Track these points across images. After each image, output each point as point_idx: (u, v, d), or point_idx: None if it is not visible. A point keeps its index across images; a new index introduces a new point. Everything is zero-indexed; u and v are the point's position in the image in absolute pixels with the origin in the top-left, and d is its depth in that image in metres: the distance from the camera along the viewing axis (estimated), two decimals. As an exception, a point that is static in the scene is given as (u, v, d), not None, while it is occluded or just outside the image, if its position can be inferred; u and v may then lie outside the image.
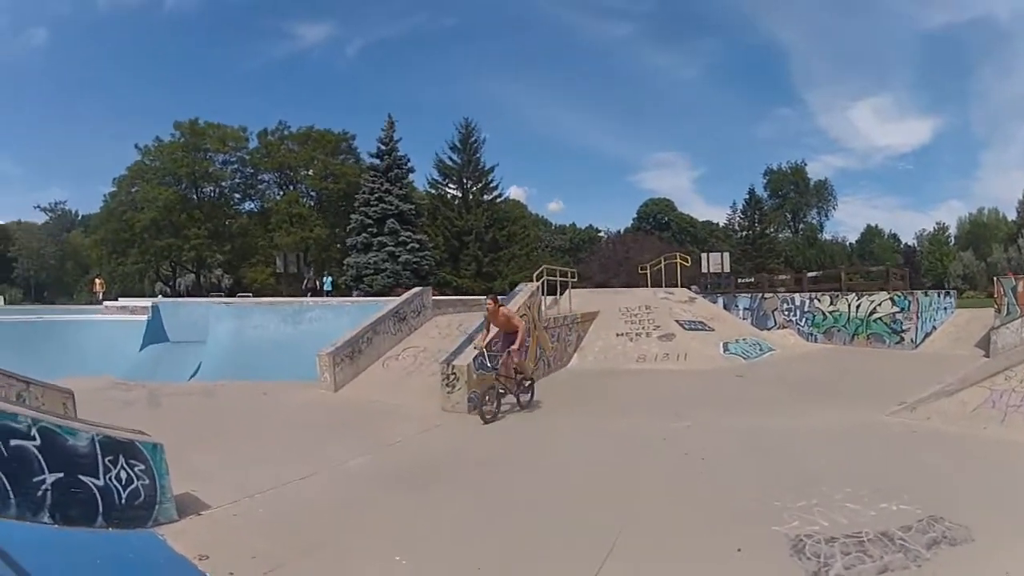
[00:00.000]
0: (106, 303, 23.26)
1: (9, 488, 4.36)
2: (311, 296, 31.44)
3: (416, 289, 17.07)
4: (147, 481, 5.28)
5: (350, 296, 36.02)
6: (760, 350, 16.90)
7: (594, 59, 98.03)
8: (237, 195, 58.24)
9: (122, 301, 23.31)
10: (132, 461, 5.21)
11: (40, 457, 4.58)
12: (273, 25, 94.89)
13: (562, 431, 9.05)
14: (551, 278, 16.65)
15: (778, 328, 20.44)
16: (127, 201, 51.29)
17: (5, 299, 29.41)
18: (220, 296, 41.16)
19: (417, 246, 45.93)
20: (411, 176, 50.03)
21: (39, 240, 65.31)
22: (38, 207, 69.95)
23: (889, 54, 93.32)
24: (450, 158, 54.32)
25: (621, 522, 5.16)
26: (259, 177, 57.72)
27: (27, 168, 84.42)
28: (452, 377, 10.45)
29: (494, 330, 10.69)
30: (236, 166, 56.33)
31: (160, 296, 40.59)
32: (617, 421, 9.53)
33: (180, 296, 47.70)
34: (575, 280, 18.52)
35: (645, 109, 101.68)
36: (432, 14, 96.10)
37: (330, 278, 40.16)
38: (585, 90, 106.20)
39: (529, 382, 10.84)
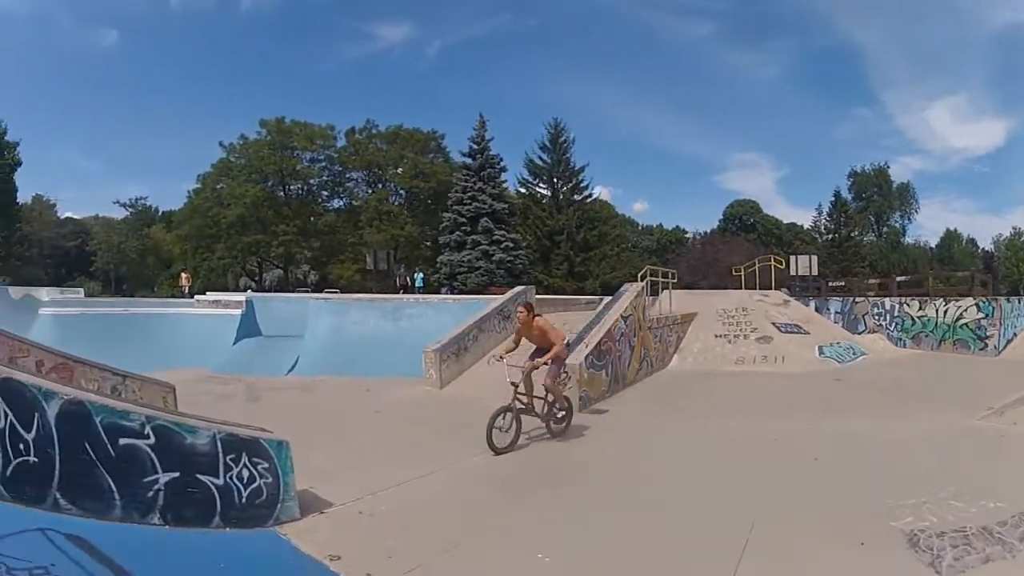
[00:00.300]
0: (196, 297, 23.90)
1: (115, 489, 4.25)
2: (403, 292, 31.72)
3: (520, 288, 17.20)
4: (270, 479, 5.12)
5: (438, 293, 36.62)
6: (853, 354, 17.22)
7: (675, 58, 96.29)
8: (325, 192, 60.25)
9: (213, 295, 23.93)
10: (256, 459, 5.07)
11: (153, 456, 4.47)
12: (351, 26, 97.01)
13: (679, 433, 9.34)
14: (653, 279, 16.67)
15: (868, 332, 20.46)
16: (212, 197, 53.76)
17: (85, 291, 30.97)
18: (307, 291, 42.21)
19: (511, 245, 46.33)
20: (503, 175, 50.66)
21: (119, 234, 68.17)
22: (117, 202, 72.72)
23: (963, 53, 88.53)
24: (540, 158, 54.99)
25: (750, 518, 5.42)
26: (347, 175, 59.43)
27: (104, 164, 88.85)
28: (564, 376, 9.85)
29: (526, 346, 8.98)
30: (324, 164, 58.24)
31: (248, 291, 41.86)
32: (727, 422, 9.82)
33: (266, 291, 49.14)
34: (674, 281, 18.52)
35: (726, 108, 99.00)
36: (514, 15, 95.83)
37: (421, 275, 41.07)
38: (666, 89, 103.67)
39: (563, 412, 9.06)
